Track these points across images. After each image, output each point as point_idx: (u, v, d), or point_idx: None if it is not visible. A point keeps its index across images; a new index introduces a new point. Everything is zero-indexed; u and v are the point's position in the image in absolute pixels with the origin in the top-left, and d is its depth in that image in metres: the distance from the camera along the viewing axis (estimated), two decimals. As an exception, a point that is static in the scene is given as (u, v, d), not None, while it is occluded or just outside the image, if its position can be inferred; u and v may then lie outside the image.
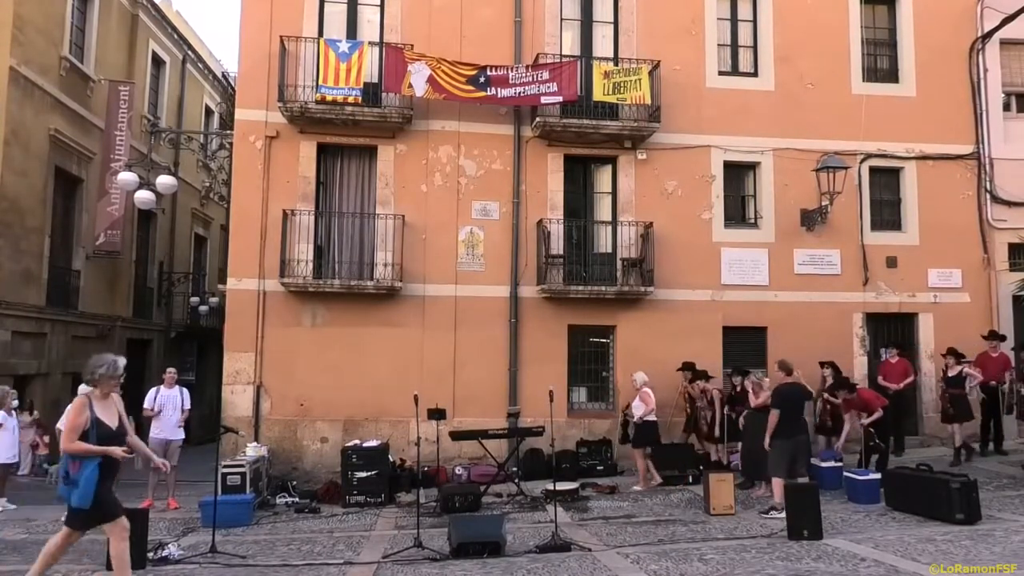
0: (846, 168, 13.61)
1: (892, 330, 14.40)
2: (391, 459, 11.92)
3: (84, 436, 5.81)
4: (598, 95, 13.08)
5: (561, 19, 14.15)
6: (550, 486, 10.27)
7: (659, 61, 13.47)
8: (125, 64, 19.25)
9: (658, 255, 13.47)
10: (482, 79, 12.80)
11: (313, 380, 12.71)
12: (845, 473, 10.59)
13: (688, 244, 13.77)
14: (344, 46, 12.59)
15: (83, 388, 10.77)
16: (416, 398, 9.20)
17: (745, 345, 13.80)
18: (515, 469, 12.05)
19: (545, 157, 13.71)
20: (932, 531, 8.22)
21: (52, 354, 16.13)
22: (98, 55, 17.87)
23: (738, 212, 14.49)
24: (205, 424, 21.48)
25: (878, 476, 10.10)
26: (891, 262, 14.35)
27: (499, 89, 12.84)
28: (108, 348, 18.38)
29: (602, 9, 14.37)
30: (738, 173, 14.47)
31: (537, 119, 13.25)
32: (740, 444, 11.56)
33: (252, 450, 11.63)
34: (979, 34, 14.87)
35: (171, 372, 11.73)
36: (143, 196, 15.89)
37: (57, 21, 16.25)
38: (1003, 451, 12.74)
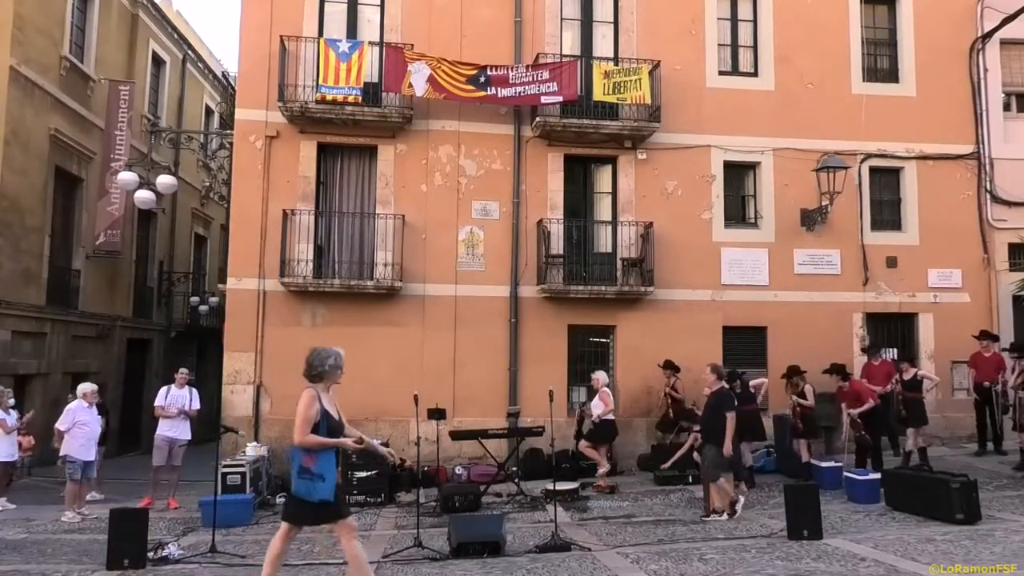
0: (846, 168, 13.61)
1: (892, 330, 14.41)
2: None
3: (315, 429, 5.67)
4: (598, 95, 13.08)
5: (561, 19, 14.15)
6: (550, 486, 10.26)
7: (659, 61, 13.47)
8: (125, 64, 19.24)
9: (658, 255, 13.47)
10: (482, 79, 12.80)
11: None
12: (845, 473, 10.59)
13: (688, 244, 13.77)
14: (344, 46, 12.59)
15: (81, 388, 10.87)
16: (416, 398, 9.20)
17: (745, 345, 13.81)
18: (515, 469, 12.04)
19: (545, 157, 13.71)
20: (932, 531, 8.22)
21: (52, 354, 16.12)
22: (98, 55, 17.87)
23: (738, 212, 14.49)
24: (205, 423, 21.52)
25: (878, 476, 10.10)
26: (891, 262, 14.35)
27: (499, 89, 12.84)
28: (108, 348, 18.44)
29: (602, 9, 14.37)
30: (738, 173, 14.47)
31: (537, 119, 13.25)
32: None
33: (252, 450, 11.62)
34: (979, 34, 14.87)
35: (183, 372, 11.81)
36: (143, 196, 15.89)
37: (57, 21, 16.25)
38: (1002, 451, 12.73)
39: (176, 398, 11.29)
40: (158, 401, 11.30)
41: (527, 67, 13.07)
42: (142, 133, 18.94)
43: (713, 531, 8.74)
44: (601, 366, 13.73)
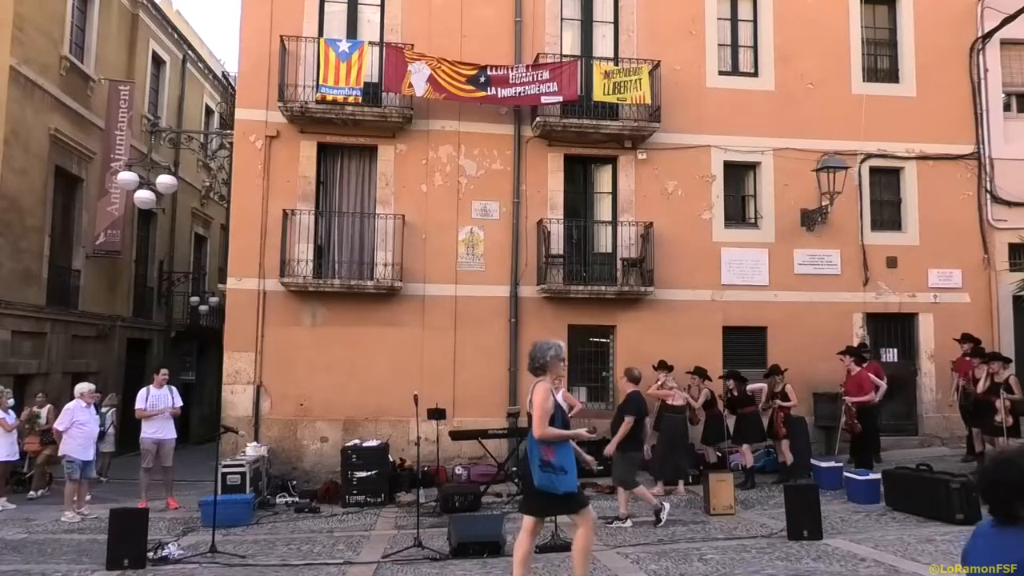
0: (846, 168, 13.61)
1: (892, 330, 14.41)
2: (391, 459, 11.92)
3: (551, 421, 5.68)
4: (598, 95, 13.08)
5: (561, 19, 14.15)
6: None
7: (659, 61, 13.47)
8: (125, 64, 19.25)
9: (658, 255, 13.47)
10: (482, 79, 12.80)
11: (313, 380, 12.72)
12: (845, 473, 10.60)
13: (688, 244, 13.77)
14: (344, 46, 12.58)
15: (79, 388, 10.87)
16: (416, 398, 9.20)
17: (745, 345, 13.80)
18: (515, 469, 12.03)
19: (545, 157, 13.71)
20: (932, 531, 8.22)
21: (52, 354, 16.12)
22: (98, 54, 17.86)
23: (738, 212, 14.49)
24: (205, 424, 21.51)
25: (878, 476, 10.10)
26: (891, 262, 14.35)
27: (499, 89, 12.84)
28: (108, 348, 18.43)
29: (602, 9, 14.37)
30: (738, 173, 14.47)
31: (537, 119, 13.25)
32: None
33: (252, 450, 11.64)
34: (979, 34, 14.86)
35: (163, 372, 11.68)
36: (143, 196, 15.89)
37: (57, 20, 16.25)
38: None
39: (158, 399, 11.20)
40: (139, 404, 11.16)
41: (527, 67, 13.07)
42: (142, 133, 18.95)
43: (713, 531, 8.75)
44: (601, 366, 13.77)
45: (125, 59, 19.29)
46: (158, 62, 21.31)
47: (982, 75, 14.87)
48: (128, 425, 18.79)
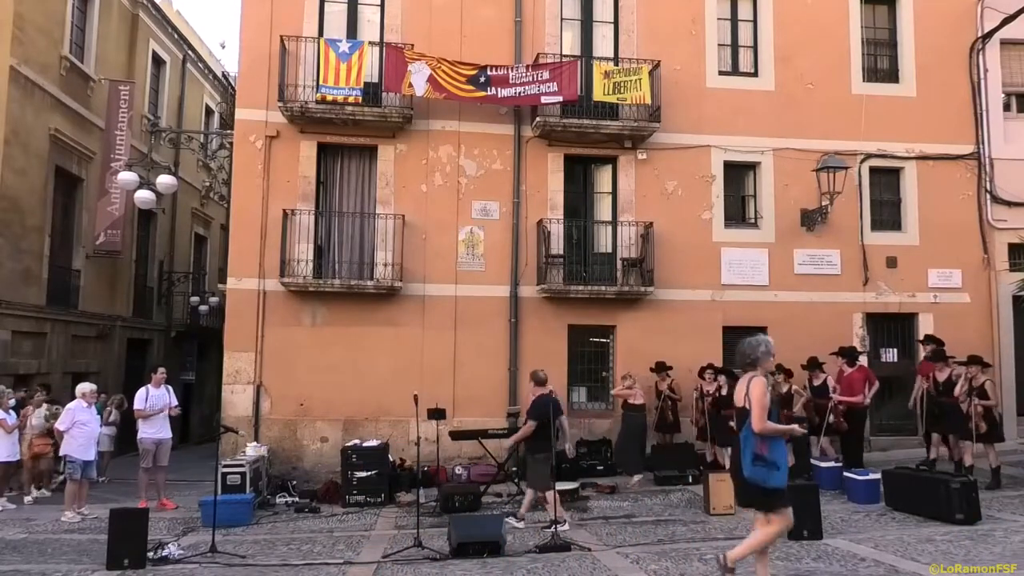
0: (846, 168, 13.61)
1: (892, 330, 14.41)
2: (391, 459, 11.92)
3: (768, 416, 5.80)
4: (598, 95, 13.08)
5: (561, 19, 14.15)
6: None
7: (659, 61, 13.47)
8: (125, 64, 19.24)
9: (658, 255, 13.47)
10: (482, 79, 12.80)
11: (313, 380, 12.72)
12: (845, 473, 10.59)
13: (688, 244, 13.77)
14: (344, 46, 12.58)
15: (80, 388, 10.86)
16: (416, 398, 9.20)
17: (745, 345, 13.77)
18: (515, 469, 12.04)
19: (545, 157, 13.71)
20: (932, 531, 8.22)
21: (52, 354, 16.11)
22: (98, 54, 17.86)
23: (738, 212, 14.49)
24: (205, 424, 21.52)
25: (878, 476, 10.10)
26: (891, 262, 14.35)
27: (499, 89, 12.83)
28: (108, 348, 18.43)
29: (602, 9, 14.37)
30: (738, 173, 14.47)
31: (537, 119, 13.25)
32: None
33: (252, 450, 11.64)
34: (979, 34, 14.86)
35: (161, 372, 11.63)
36: (143, 196, 15.88)
37: (57, 20, 16.24)
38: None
39: (157, 398, 11.19)
40: (138, 404, 11.11)
41: (527, 67, 13.07)
42: (142, 133, 18.94)
43: (713, 531, 8.75)
44: (601, 366, 13.78)
45: (125, 59, 19.28)
46: (158, 62, 21.30)
47: (982, 75, 14.87)
48: (128, 425, 18.83)
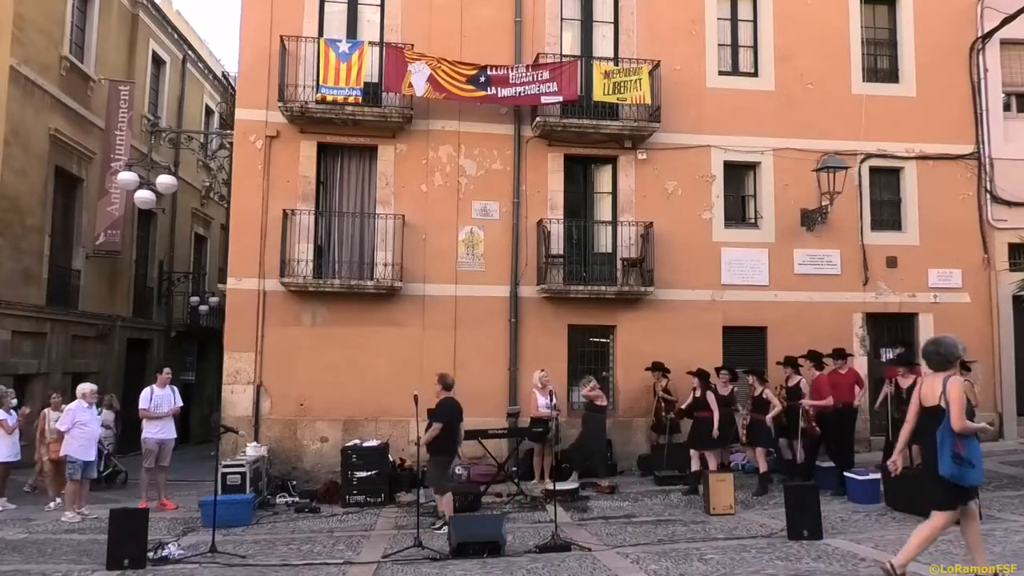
0: (846, 168, 13.62)
1: (892, 330, 14.41)
2: (391, 459, 11.92)
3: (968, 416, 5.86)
4: (598, 95, 13.08)
5: (561, 19, 14.15)
6: (550, 486, 10.26)
7: (659, 61, 13.47)
8: (125, 64, 19.24)
9: (658, 255, 13.47)
10: (482, 79, 12.80)
11: (313, 380, 12.72)
12: (845, 473, 10.58)
13: (688, 244, 13.77)
14: (344, 46, 12.59)
15: (80, 388, 10.86)
16: (416, 398, 9.18)
17: (745, 345, 13.80)
18: (515, 469, 12.05)
19: (545, 157, 13.71)
20: (932, 531, 8.20)
21: (52, 354, 16.12)
22: (98, 55, 17.86)
23: (738, 212, 14.49)
24: (205, 424, 21.51)
25: (878, 476, 10.09)
26: (891, 262, 14.35)
27: (499, 89, 12.84)
28: (108, 348, 18.42)
29: (602, 9, 14.37)
30: (738, 173, 14.47)
31: (537, 119, 13.25)
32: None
33: (252, 450, 11.64)
34: (979, 34, 14.86)
35: (166, 372, 11.70)
36: (143, 196, 15.89)
37: (57, 20, 16.25)
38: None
39: (161, 399, 11.22)
40: (143, 404, 11.13)
41: (527, 67, 13.07)
42: (142, 133, 18.94)
43: (713, 531, 8.75)
44: (601, 366, 13.78)
45: (125, 59, 19.29)
46: (158, 62, 21.30)
47: (982, 75, 14.88)
48: (128, 425, 18.82)
